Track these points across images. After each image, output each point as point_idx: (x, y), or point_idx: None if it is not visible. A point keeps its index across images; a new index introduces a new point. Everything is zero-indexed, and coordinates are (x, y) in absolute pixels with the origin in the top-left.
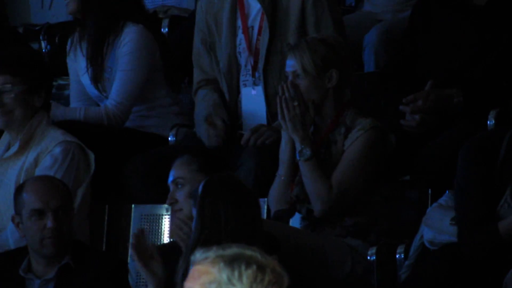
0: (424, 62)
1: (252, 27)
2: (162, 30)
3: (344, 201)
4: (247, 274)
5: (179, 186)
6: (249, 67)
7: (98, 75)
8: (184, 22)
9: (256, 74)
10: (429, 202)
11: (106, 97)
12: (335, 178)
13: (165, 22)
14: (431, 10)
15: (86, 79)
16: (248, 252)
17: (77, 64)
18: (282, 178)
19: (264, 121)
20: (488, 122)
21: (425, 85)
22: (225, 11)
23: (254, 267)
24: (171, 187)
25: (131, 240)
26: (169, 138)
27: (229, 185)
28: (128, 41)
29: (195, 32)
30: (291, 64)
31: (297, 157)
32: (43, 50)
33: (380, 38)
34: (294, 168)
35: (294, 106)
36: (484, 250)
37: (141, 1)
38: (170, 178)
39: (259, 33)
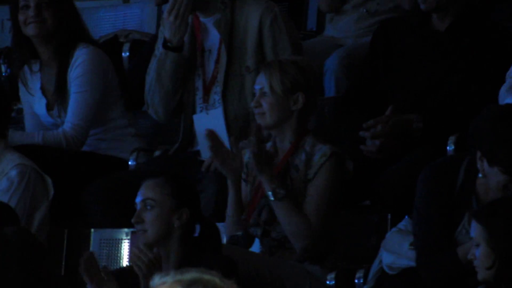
0: (384, 87)
1: (210, 50)
2: (123, 54)
3: (323, 232)
4: None
5: (148, 207)
6: (201, 94)
7: (52, 102)
8: (145, 46)
9: (212, 100)
10: (389, 227)
11: (62, 123)
12: (309, 211)
13: (126, 46)
14: (392, 36)
15: (40, 109)
16: (207, 276)
17: (30, 95)
18: (232, 218)
19: (226, 141)
20: (448, 147)
21: (385, 110)
22: (187, 34)
23: None
24: (139, 205)
25: (81, 264)
26: (130, 162)
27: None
28: (80, 63)
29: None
30: (260, 82)
31: (270, 198)
32: (3, 74)
33: (341, 63)
34: (240, 206)
35: (258, 148)
36: (443, 275)
37: (83, 23)
38: (140, 198)
39: (217, 61)
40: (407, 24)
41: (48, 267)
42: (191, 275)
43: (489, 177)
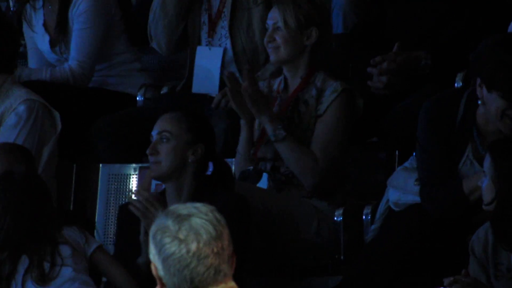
0: (392, 24)
1: None
2: None
3: (332, 169)
4: None
5: (164, 139)
6: (207, 29)
7: (55, 39)
8: None
9: (218, 35)
10: (396, 164)
11: (66, 59)
12: (318, 147)
13: None
14: None
15: (44, 46)
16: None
17: (33, 32)
18: (243, 155)
19: (216, 83)
20: (456, 84)
21: (393, 47)
22: None
23: None
24: (155, 137)
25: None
26: (137, 98)
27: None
28: (83, 0)
29: None
30: (273, 17)
31: (272, 139)
32: (11, 9)
33: (348, 0)
34: (251, 145)
35: (252, 90)
36: (447, 206)
37: None
38: (156, 130)
39: None
40: None
41: (50, 211)
42: (187, 209)
43: (488, 104)
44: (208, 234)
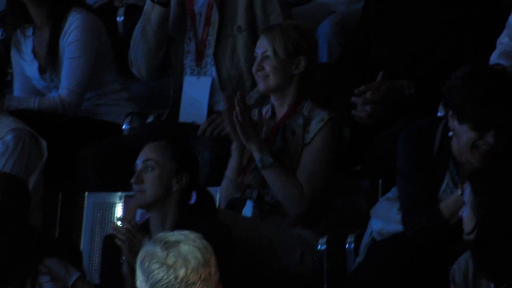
0: (376, 53)
1: (200, 13)
2: (118, 18)
3: (317, 198)
4: None
5: (149, 168)
6: (193, 57)
7: (44, 66)
8: (140, 11)
9: (204, 62)
10: (380, 193)
11: (55, 87)
12: (304, 176)
13: (121, 10)
14: (384, 2)
15: (32, 72)
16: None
17: (21, 59)
18: (229, 181)
19: (204, 112)
20: (439, 113)
21: (377, 76)
22: None
23: None
24: (139, 166)
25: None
26: (123, 127)
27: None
28: (74, 29)
29: None
30: (262, 45)
31: (259, 166)
32: (0, 37)
33: (333, 29)
34: (240, 171)
35: (243, 117)
36: (428, 231)
37: None
38: (141, 159)
39: (206, 23)
40: None
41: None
42: (175, 236)
43: (459, 136)
44: (196, 260)
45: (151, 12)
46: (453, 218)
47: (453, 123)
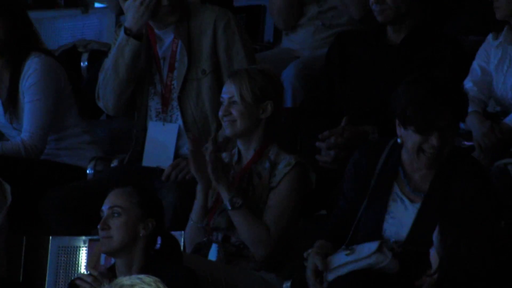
0: (340, 98)
1: (164, 58)
2: (82, 63)
3: (283, 241)
4: None
5: (116, 214)
6: (159, 100)
7: (5, 110)
8: (104, 56)
9: (170, 107)
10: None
11: (14, 130)
12: (270, 219)
13: (85, 56)
14: (348, 48)
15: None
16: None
17: None
18: (195, 224)
19: (171, 157)
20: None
21: (341, 121)
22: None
23: None
24: (106, 213)
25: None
26: (88, 171)
27: None
28: (32, 72)
29: None
30: (228, 91)
31: (227, 207)
32: None
33: (297, 74)
34: (205, 212)
35: (214, 157)
36: None
37: (36, 31)
38: (107, 205)
39: (170, 69)
40: (363, 37)
41: None
42: (130, 280)
43: (406, 141)
44: None
45: (125, 46)
46: None
47: (400, 131)
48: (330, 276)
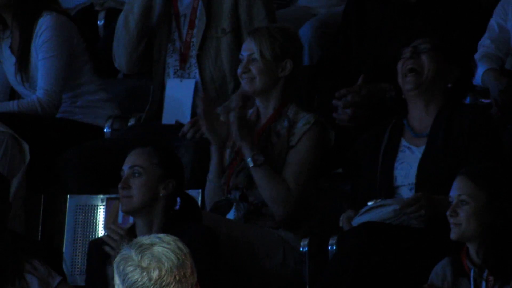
0: (357, 56)
1: (185, 15)
2: (98, 22)
3: (303, 199)
4: None
5: (136, 174)
6: (177, 57)
7: (24, 73)
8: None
9: (188, 64)
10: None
11: (27, 88)
12: (290, 178)
13: (102, 14)
14: (365, 6)
15: (9, 67)
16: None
17: (4, 65)
18: (212, 183)
19: (188, 113)
20: None
21: (358, 79)
22: None
23: None
24: (126, 172)
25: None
26: (105, 130)
27: None
28: (44, 30)
29: None
30: (248, 48)
31: (250, 164)
32: None
33: (314, 33)
34: (222, 171)
35: (240, 114)
36: None
37: None
38: (127, 164)
39: (190, 26)
40: None
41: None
42: (150, 239)
43: (398, 71)
44: (170, 262)
45: (134, 1)
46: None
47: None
48: (354, 222)
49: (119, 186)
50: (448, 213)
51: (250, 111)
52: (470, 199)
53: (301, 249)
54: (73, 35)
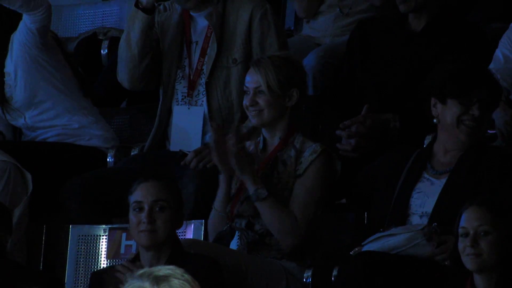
0: (361, 86)
1: (197, 42)
2: (102, 51)
3: (310, 230)
4: None
5: (160, 208)
6: (186, 84)
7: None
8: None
9: (196, 91)
10: (365, 225)
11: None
12: (297, 208)
13: (105, 43)
14: (369, 35)
15: None
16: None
17: None
18: (218, 213)
19: (197, 141)
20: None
21: (362, 109)
22: (172, 21)
23: None
24: (148, 205)
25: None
26: (108, 159)
27: None
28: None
29: None
30: (254, 80)
31: (253, 199)
32: None
33: (318, 62)
34: (228, 200)
35: (238, 148)
36: None
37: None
38: (149, 198)
39: (201, 54)
40: (384, 24)
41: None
42: (162, 271)
43: (443, 117)
44: None
45: (135, 18)
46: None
47: (437, 110)
48: (363, 249)
49: (143, 219)
50: (467, 244)
51: (258, 139)
52: (491, 228)
53: (304, 280)
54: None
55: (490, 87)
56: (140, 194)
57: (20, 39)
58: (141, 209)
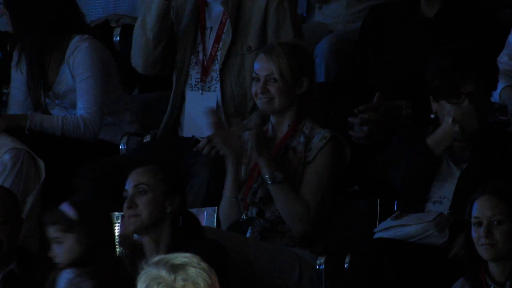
0: (374, 73)
1: (211, 28)
2: (114, 38)
3: (320, 216)
4: None
5: (142, 192)
6: (199, 70)
7: (39, 93)
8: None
9: (209, 77)
10: (378, 212)
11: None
12: (308, 194)
13: (117, 30)
14: (382, 22)
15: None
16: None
17: (21, 73)
18: (229, 199)
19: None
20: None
21: (374, 96)
22: (187, 6)
23: None
24: (131, 191)
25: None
26: (120, 147)
27: None
28: (79, 52)
29: None
30: (266, 68)
31: (268, 182)
32: None
33: (330, 49)
34: (238, 187)
35: (258, 131)
36: (414, 166)
37: (80, 13)
38: (132, 183)
39: (216, 40)
40: (397, 10)
41: None
42: (179, 259)
43: (440, 115)
44: (205, 282)
45: (152, 3)
46: (438, 147)
47: (434, 106)
48: (376, 235)
49: (125, 205)
50: (481, 234)
51: (266, 127)
52: (505, 217)
53: (317, 267)
54: (106, 55)
55: (477, 79)
56: (127, 181)
57: None
58: (127, 196)
